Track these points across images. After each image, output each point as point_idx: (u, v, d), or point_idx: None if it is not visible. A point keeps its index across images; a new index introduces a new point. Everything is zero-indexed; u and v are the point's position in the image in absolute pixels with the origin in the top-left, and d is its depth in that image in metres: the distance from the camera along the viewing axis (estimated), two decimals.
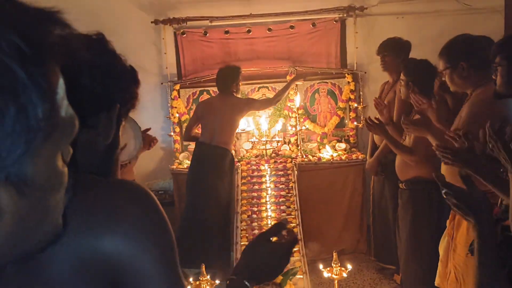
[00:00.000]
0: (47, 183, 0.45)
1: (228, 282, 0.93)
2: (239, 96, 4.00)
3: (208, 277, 2.92)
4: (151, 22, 4.55)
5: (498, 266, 1.28)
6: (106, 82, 0.81)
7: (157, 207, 0.74)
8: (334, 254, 2.88)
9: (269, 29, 4.58)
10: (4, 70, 0.39)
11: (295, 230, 3.68)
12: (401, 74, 3.04)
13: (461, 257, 2.15)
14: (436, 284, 2.37)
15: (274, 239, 0.99)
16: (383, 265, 3.88)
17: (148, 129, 2.99)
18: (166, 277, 0.73)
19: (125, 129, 1.92)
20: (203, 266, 2.91)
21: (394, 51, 3.56)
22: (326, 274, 2.86)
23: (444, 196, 1.44)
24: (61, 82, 0.47)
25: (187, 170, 3.99)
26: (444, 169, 2.34)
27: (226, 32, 4.58)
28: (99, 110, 0.82)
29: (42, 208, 0.47)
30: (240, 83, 3.95)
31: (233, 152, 4.04)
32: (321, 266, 2.92)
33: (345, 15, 4.57)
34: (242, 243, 3.59)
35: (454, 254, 2.21)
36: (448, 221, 2.33)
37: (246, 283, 0.91)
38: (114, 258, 0.66)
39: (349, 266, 2.93)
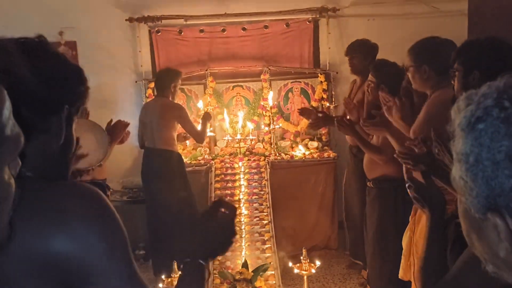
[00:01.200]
0: None
1: (182, 266, 0.99)
2: (175, 100, 4.00)
3: (180, 273, 2.96)
4: (126, 20, 4.55)
5: (442, 249, 1.40)
6: (51, 85, 0.82)
7: (105, 206, 0.77)
8: (304, 250, 2.97)
9: (244, 29, 4.63)
10: None
11: (267, 227, 3.76)
12: (370, 76, 3.12)
13: (423, 250, 2.25)
14: (399, 277, 2.48)
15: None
16: (354, 260, 3.99)
17: (110, 121, 3.02)
18: (118, 273, 0.76)
19: (89, 139, 1.95)
20: (175, 263, 2.96)
21: (362, 53, 3.67)
22: (295, 270, 2.95)
23: (407, 189, 1.57)
24: (7, 104, 0.51)
25: None
26: (407, 169, 2.45)
27: (201, 31, 4.62)
28: (48, 114, 0.83)
29: None
30: (178, 87, 3.95)
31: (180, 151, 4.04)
32: (290, 263, 3.01)
33: (318, 16, 4.66)
34: None
35: (417, 248, 2.32)
36: (410, 217, 2.44)
37: (201, 261, 0.97)
38: (64, 257, 0.69)
39: (318, 262, 3.02)
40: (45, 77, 0.81)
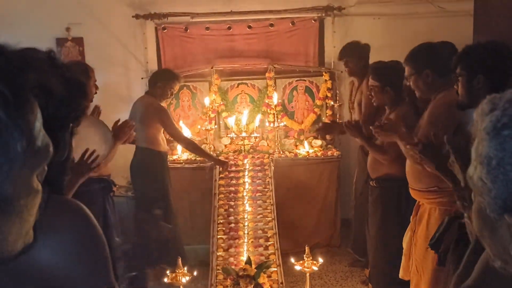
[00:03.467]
0: (23, 201, 0.53)
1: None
2: (163, 103, 3.89)
3: (185, 269, 3.01)
4: (132, 16, 4.58)
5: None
6: (58, 104, 0.82)
7: (89, 222, 0.79)
8: (306, 248, 3.01)
9: (249, 27, 4.65)
10: None
11: (270, 224, 3.79)
12: (371, 80, 3.08)
13: (421, 250, 2.29)
14: (400, 276, 2.51)
15: None
16: (358, 258, 4.02)
17: (117, 121, 3.05)
18: (99, 285, 0.78)
19: (93, 135, 1.99)
20: (179, 259, 3.01)
21: (355, 55, 3.70)
22: (298, 268, 2.99)
23: (415, 148, 1.84)
24: (38, 116, 0.54)
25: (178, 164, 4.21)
26: (408, 166, 2.47)
27: (207, 28, 4.64)
28: (55, 131, 0.84)
29: (18, 222, 0.54)
30: (168, 89, 3.81)
31: (164, 150, 3.92)
32: (293, 260, 3.05)
33: (323, 14, 4.68)
34: (218, 237, 3.68)
35: (415, 248, 2.35)
36: (411, 217, 2.47)
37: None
38: (48, 269, 0.71)
39: (320, 260, 3.06)
40: (54, 96, 0.82)
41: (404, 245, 2.49)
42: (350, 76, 3.90)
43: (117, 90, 4.56)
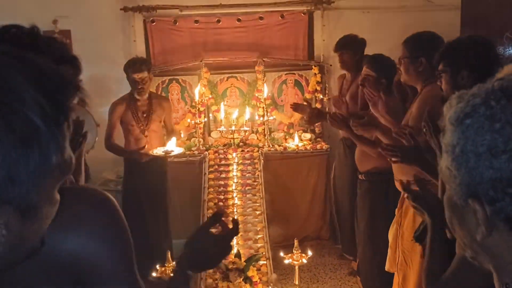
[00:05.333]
0: (45, 209, 0.56)
1: (172, 275, 1.03)
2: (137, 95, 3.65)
3: (174, 263, 3.01)
4: (121, 9, 4.53)
5: (444, 254, 1.44)
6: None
7: (116, 211, 0.82)
8: (295, 241, 3.02)
9: (239, 20, 4.63)
10: (34, 127, 0.50)
11: (260, 217, 3.80)
12: (367, 70, 3.11)
13: (408, 242, 2.31)
14: (386, 269, 2.54)
15: (216, 230, 1.08)
16: (345, 255, 4.05)
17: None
18: (125, 275, 0.81)
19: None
20: (169, 253, 3.01)
21: (351, 49, 3.70)
22: (287, 261, 3.01)
23: (406, 199, 1.62)
24: (68, 133, 0.57)
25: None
26: (395, 165, 2.49)
27: (196, 21, 4.61)
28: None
29: (36, 229, 0.57)
30: (129, 80, 3.62)
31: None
32: (282, 253, 3.07)
33: (313, 8, 4.67)
34: None
35: (402, 240, 2.38)
36: (396, 210, 2.49)
37: (189, 272, 1.01)
38: (77, 258, 0.74)
39: (310, 253, 3.08)
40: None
41: (390, 237, 2.51)
42: (342, 69, 3.90)
43: (105, 83, 4.51)
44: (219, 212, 1.12)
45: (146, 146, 3.64)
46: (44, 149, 0.51)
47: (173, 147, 3.62)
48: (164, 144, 3.74)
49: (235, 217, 3.78)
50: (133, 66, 3.52)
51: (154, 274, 2.99)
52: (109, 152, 3.74)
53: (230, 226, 1.10)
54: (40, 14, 4.47)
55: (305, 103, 3.89)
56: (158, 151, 3.57)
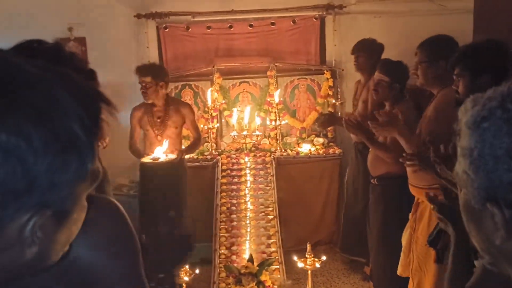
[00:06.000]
0: (76, 215, 0.59)
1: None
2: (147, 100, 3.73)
3: (187, 267, 3.04)
4: (134, 16, 4.60)
5: (466, 265, 1.43)
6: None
7: (123, 218, 0.84)
8: (308, 245, 3.03)
9: (250, 25, 4.66)
10: (75, 136, 0.53)
11: (272, 222, 3.81)
12: (379, 75, 3.10)
13: (423, 247, 2.30)
14: (398, 273, 2.53)
15: None
16: (349, 257, 4.03)
17: None
18: (134, 282, 0.83)
19: None
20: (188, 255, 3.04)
21: (368, 52, 3.70)
22: (300, 265, 3.01)
23: (432, 210, 1.60)
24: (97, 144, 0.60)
25: None
26: (409, 170, 2.49)
27: (208, 27, 4.66)
28: None
29: (67, 234, 0.60)
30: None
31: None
32: (295, 258, 3.07)
33: (324, 12, 4.69)
34: (221, 235, 3.71)
35: (416, 245, 2.37)
36: (410, 214, 2.48)
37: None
38: (85, 265, 0.76)
39: (323, 257, 3.09)
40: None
41: (403, 242, 2.50)
42: (357, 71, 3.90)
43: (119, 89, 4.56)
44: None
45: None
46: (82, 157, 0.55)
47: (160, 154, 3.60)
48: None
49: (248, 222, 3.80)
50: (138, 70, 3.62)
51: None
52: (122, 157, 3.80)
53: None
54: (55, 21, 4.57)
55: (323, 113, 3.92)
56: (146, 158, 3.59)
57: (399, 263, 2.56)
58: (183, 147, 3.86)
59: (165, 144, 3.63)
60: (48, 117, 0.51)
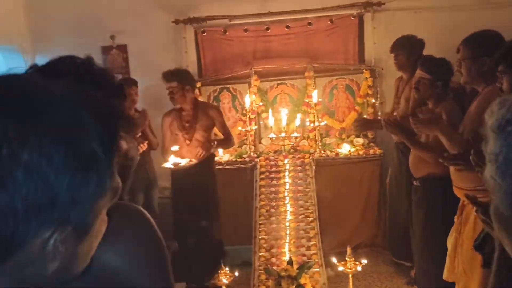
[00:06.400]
0: (96, 229, 0.61)
1: None
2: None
3: (227, 269, 3.06)
4: (172, 22, 4.68)
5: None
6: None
7: (151, 226, 0.86)
8: (348, 249, 2.98)
9: (287, 27, 4.64)
10: (95, 155, 0.55)
11: (312, 224, 3.77)
12: (421, 72, 3.00)
13: (469, 252, 2.21)
14: (444, 278, 2.44)
15: None
16: (397, 261, 3.93)
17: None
18: None
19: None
20: (222, 261, 3.07)
21: (408, 50, 3.60)
22: (340, 268, 2.96)
23: (475, 213, 1.54)
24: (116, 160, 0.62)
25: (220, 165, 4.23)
26: (453, 171, 2.40)
27: (245, 30, 4.68)
28: None
29: (88, 248, 0.62)
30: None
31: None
32: (335, 260, 3.03)
33: (362, 10, 4.60)
34: (260, 237, 3.71)
35: (462, 249, 2.28)
36: (456, 217, 2.39)
37: None
38: (114, 273, 0.78)
39: (364, 261, 3.02)
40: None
41: (449, 246, 2.41)
42: (398, 70, 3.80)
43: (159, 94, 4.66)
44: None
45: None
46: (101, 175, 0.56)
47: (179, 159, 3.62)
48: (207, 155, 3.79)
49: (287, 224, 3.78)
50: (164, 76, 3.65)
51: (212, 281, 3.05)
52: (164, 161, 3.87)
53: None
54: (99, 30, 4.73)
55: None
56: (168, 164, 3.60)
57: (445, 267, 2.46)
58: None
59: (175, 148, 3.66)
60: (69, 136, 0.53)
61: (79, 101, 0.57)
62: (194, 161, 3.62)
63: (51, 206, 0.52)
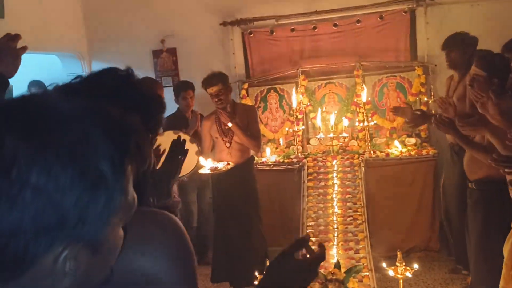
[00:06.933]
0: (111, 244, 0.62)
1: None
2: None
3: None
4: (220, 24, 4.73)
5: None
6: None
7: (181, 232, 0.88)
8: (398, 253, 2.88)
9: (335, 25, 4.56)
10: (103, 174, 0.55)
11: (361, 227, 3.68)
12: (476, 69, 2.85)
13: None
14: (500, 287, 2.29)
15: (302, 252, 1.05)
16: (458, 266, 3.75)
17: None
18: None
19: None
20: (267, 261, 3.04)
21: (461, 47, 3.42)
22: (391, 273, 2.87)
23: None
24: (131, 175, 0.62)
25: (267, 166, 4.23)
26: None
27: (292, 30, 4.64)
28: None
29: (104, 262, 0.63)
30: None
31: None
32: (384, 265, 2.93)
33: (414, 5, 4.43)
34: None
35: None
36: None
37: None
38: (142, 278, 0.80)
39: (416, 266, 2.90)
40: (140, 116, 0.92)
41: (505, 253, 2.26)
42: (450, 69, 3.63)
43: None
44: (304, 238, 1.08)
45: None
46: (111, 192, 0.57)
47: (216, 163, 3.59)
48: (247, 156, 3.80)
49: (335, 226, 3.70)
50: (205, 82, 3.63)
51: (255, 282, 3.04)
52: None
53: (317, 250, 1.06)
54: (150, 34, 4.88)
55: (405, 105, 3.68)
56: (205, 169, 3.53)
57: (501, 276, 2.31)
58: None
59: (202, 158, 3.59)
60: (77, 156, 0.54)
61: (90, 119, 0.57)
62: (232, 164, 3.61)
63: (60, 225, 0.53)
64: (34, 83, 4.46)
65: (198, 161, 2.95)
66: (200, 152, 2.78)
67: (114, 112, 0.61)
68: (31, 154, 0.52)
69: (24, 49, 1.47)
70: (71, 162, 0.53)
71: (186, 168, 2.37)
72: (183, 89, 4.20)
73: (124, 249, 0.66)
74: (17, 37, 1.45)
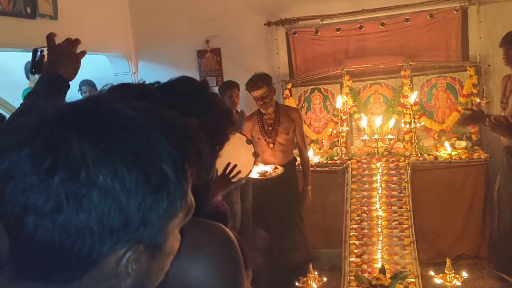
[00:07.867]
0: (169, 248, 0.63)
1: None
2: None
3: (316, 274, 3.00)
4: (264, 24, 4.72)
5: None
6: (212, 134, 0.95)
7: (233, 243, 0.90)
8: (448, 260, 2.78)
9: (382, 24, 4.45)
10: (165, 177, 0.57)
11: (407, 232, 3.56)
12: None
13: None
14: None
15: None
16: (499, 274, 3.58)
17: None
18: None
19: (237, 152, 2.08)
20: (310, 264, 3.01)
21: None
22: (437, 281, 2.77)
23: None
24: (190, 180, 0.63)
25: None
26: None
27: (337, 29, 4.56)
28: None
29: (163, 264, 0.64)
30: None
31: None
32: (432, 272, 2.83)
33: (466, 3, 4.25)
34: (351, 242, 3.59)
35: None
36: None
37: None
38: (196, 284, 0.82)
39: (465, 274, 2.79)
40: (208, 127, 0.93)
41: None
42: (507, 65, 3.46)
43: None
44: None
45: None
46: (172, 195, 0.58)
47: (266, 168, 3.57)
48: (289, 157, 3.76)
49: (380, 230, 3.60)
50: (249, 85, 3.61)
51: (297, 284, 3.02)
52: None
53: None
54: (195, 35, 4.95)
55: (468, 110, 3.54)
56: (254, 174, 3.48)
57: None
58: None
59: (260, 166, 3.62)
60: (141, 159, 0.55)
61: (153, 123, 0.58)
62: (280, 168, 3.58)
63: (124, 227, 0.54)
64: (85, 82, 4.60)
65: (255, 163, 2.95)
66: (256, 154, 2.75)
67: (173, 117, 0.62)
68: (98, 156, 0.53)
69: (83, 53, 1.53)
70: (135, 165, 0.54)
71: (245, 170, 2.35)
72: (229, 87, 4.23)
73: (179, 258, 0.67)
74: (77, 42, 1.50)
